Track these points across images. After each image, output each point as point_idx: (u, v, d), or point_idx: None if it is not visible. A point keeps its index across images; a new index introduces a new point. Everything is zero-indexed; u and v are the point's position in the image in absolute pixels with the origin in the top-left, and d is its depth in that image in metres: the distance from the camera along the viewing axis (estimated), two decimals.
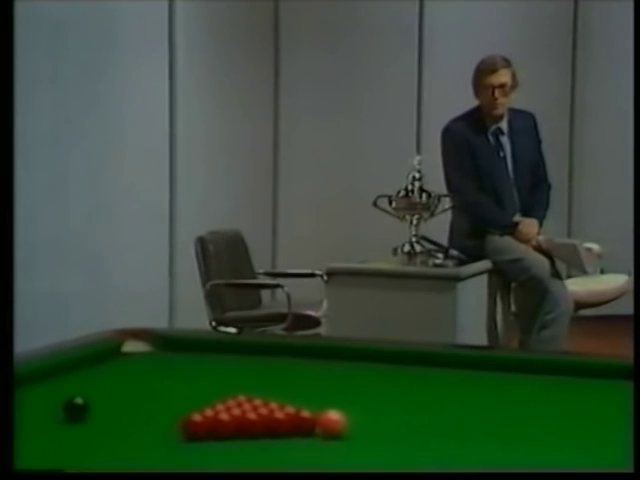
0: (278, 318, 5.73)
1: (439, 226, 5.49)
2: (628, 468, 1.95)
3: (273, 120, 8.12)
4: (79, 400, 2.41)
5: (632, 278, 6.76)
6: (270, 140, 8.11)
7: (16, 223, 5.89)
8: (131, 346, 3.11)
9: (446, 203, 5.35)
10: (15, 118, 5.76)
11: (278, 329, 5.62)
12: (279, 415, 2.29)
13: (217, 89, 7.56)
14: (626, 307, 7.10)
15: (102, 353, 3.03)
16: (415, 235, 5.25)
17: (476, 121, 5.56)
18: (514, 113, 5.62)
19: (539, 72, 7.77)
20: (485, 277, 5.43)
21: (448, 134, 5.60)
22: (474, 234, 5.49)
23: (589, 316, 6.68)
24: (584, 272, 5.68)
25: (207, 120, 7.42)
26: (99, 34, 6.50)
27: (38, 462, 2.17)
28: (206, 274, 5.92)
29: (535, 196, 5.66)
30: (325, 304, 5.27)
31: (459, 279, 5.09)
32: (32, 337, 3.50)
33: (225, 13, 7.62)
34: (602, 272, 5.90)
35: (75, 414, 2.39)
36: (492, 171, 5.55)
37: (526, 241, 5.50)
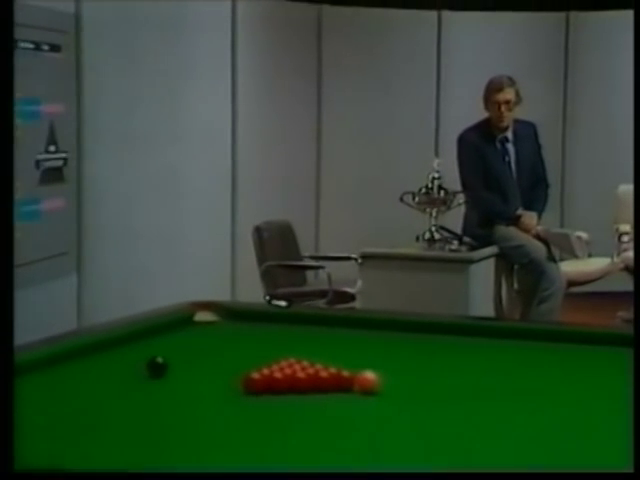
0: (320, 294, 5.74)
1: (454, 218, 5.48)
2: (628, 468, 1.75)
3: (316, 129, 8.09)
4: (160, 359, 2.43)
5: (614, 261, 6.73)
6: (314, 147, 8.09)
7: (117, 214, 5.92)
8: (201, 316, 3.12)
9: (460, 199, 5.34)
10: (99, 123, 5.77)
11: (321, 303, 5.63)
12: (323, 374, 2.29)
13: (269, 97, 7.51)
14: (609, 285, 7.09)
15: (177, 322, 3.05)
16: (434, 225, 5.25)
17: (486, 130, 5.53)
18: (518, 123, 5.58)
19: (538, 89, 7.70)
20: (493, 260, 5.41)
21: (462, 141, 5.57)
22: (484, 224, 5.47)
23: (579, 293, 6.65)
24: (575, 256, 5.65)
25: (262, 123, 7.37)
26: (168, 40, 6.31)
27: (126, 408, 2.20)
28: (262, 257, 5.94)
29: (535, 193, 5.62)
30: (359, 282, 5.27)
31: (471, 262, 5.08)
32: (125, 307, 3.52)
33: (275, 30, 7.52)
34: (590, 256, 5.86)
35: (157, 371, 2.42)
36: (499, 172, 5.52)
37: (527, 230, 5.47)
